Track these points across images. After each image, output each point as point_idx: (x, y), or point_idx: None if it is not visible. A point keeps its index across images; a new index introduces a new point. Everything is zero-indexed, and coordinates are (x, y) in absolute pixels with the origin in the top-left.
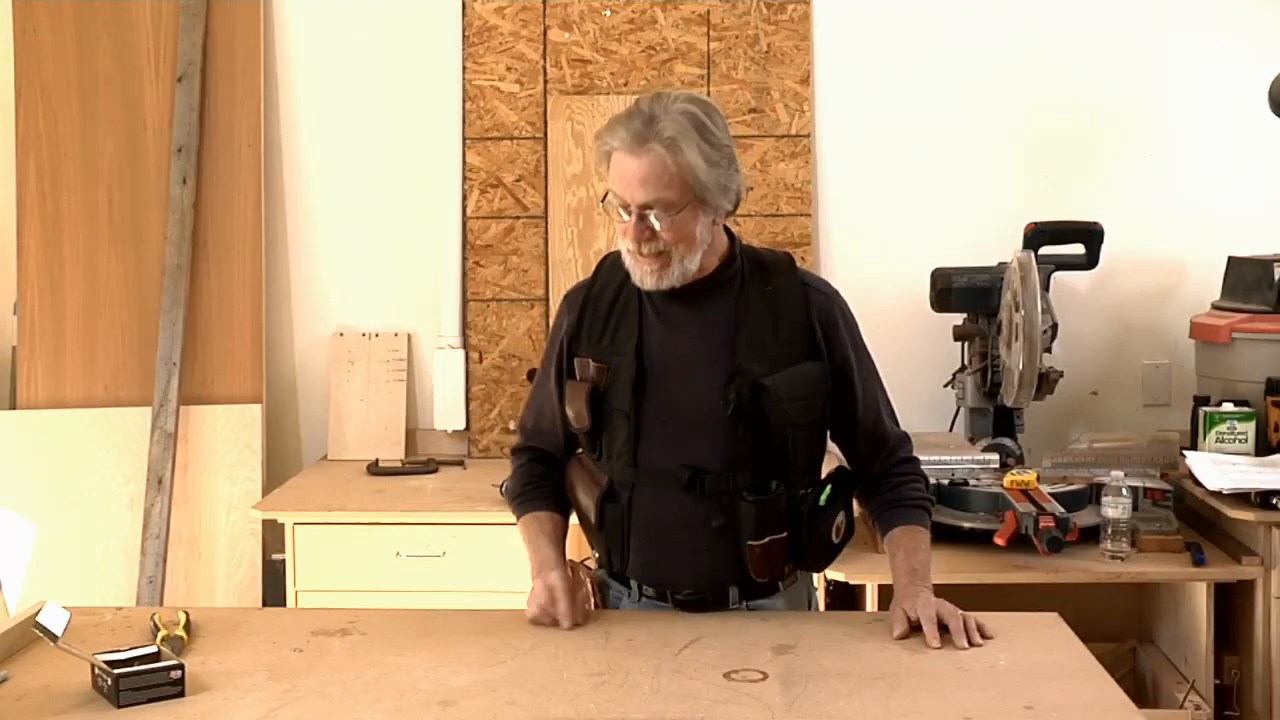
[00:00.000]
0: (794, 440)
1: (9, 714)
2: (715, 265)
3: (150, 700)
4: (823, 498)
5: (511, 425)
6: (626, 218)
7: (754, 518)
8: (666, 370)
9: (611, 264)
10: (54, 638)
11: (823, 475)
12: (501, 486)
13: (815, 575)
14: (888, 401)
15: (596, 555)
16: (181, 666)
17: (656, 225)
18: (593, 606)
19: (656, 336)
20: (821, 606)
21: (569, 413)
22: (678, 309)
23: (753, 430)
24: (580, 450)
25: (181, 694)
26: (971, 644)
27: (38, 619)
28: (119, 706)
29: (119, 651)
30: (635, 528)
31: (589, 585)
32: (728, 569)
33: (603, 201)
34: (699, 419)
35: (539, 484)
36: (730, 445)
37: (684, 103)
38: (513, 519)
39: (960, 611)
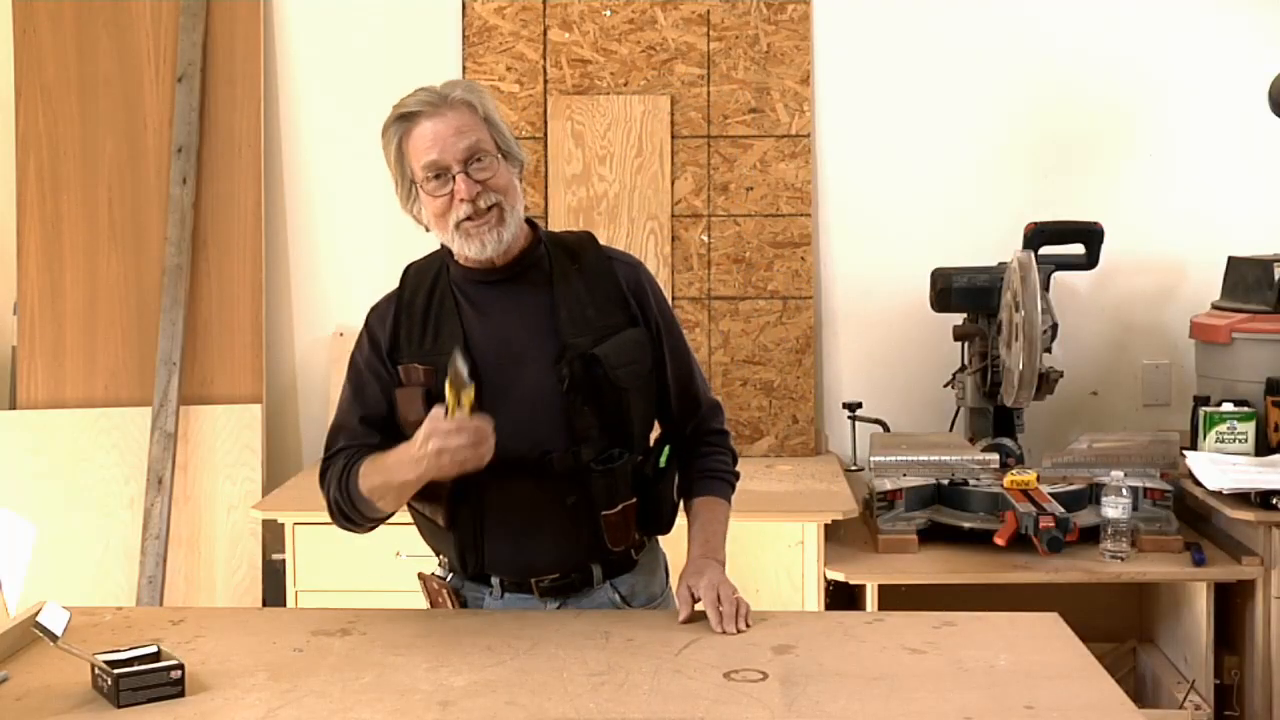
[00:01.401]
0: (630, 405)
1: (9, 714)
2: (522, 246)
3: (150, 700)
4: (663, 459)
5: None
6: (448, 186)
7: (605, 487)
8: (496, 360)
9: (416, 272)
10: (54, 638)
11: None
12: (327, 504)
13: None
14: (699, 369)
15: (443, 562)
16: (181, 666)
17: (482, 177)
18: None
19: (479, 329)
20: (821, 607)
21: (405, 420)
22: (494, 299)
23: (590, 401)
24: None
25: (181, 694)
26: (738, 630)
27: (38, 619)
28: (119, 706)
29: (119, 651)
30: (489, 522)
31: (445, 594)
32: (586, 546)
33: (408, 194)
34: (536, 402)
35: (359, 453)
36: (570, 421)
37: (456, 79)
38: None
39: (737, 595)
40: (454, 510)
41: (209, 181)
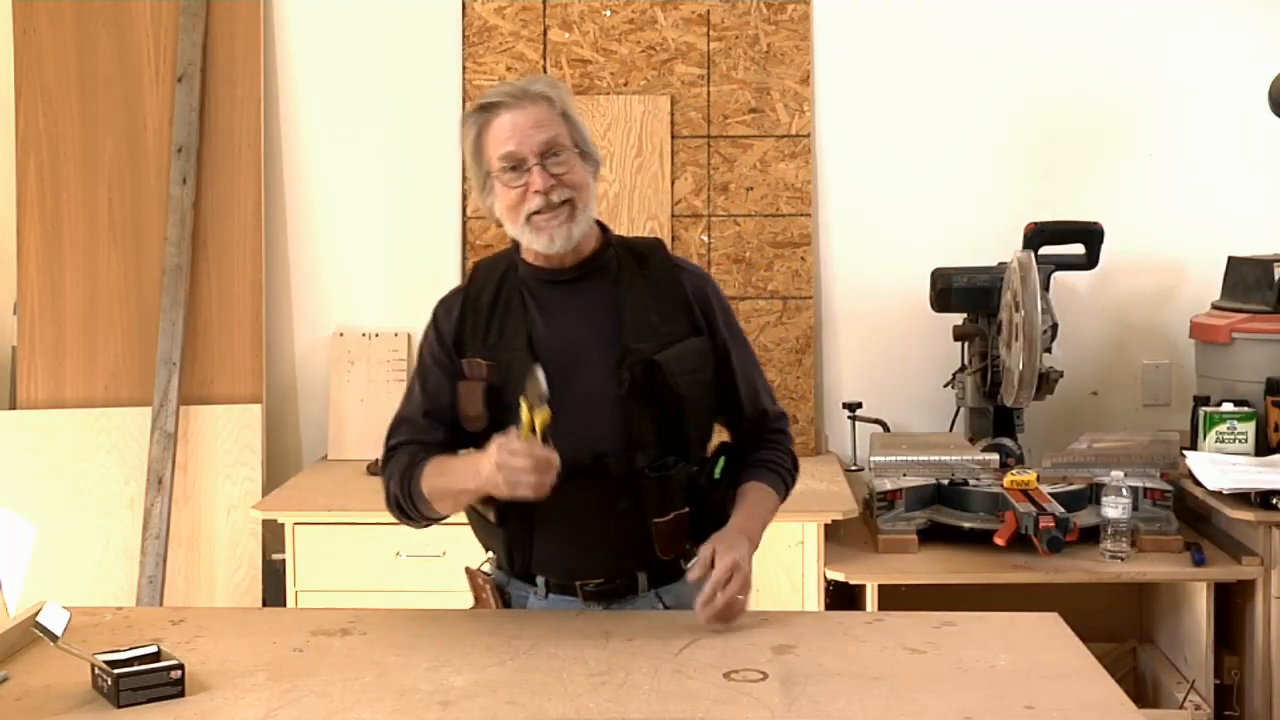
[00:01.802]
0: (688, 414)
1: (9, 714)
2: (592, 249)
3: (150, 700)
4: (717, 470)
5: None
6: (523, 178)
7: (657, 495)
8: (559, 360)
9: (486, 268)
10: (54, 638)
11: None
12: (385, 496)
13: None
14: (765, 381)
15: (492, 557)
16: (181, 666)
17: (558, 170)
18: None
19: (544, 328)
20: (821, 607)
21: (465, 413)
22: (560, 299)
23: (648, 407)
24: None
25: (181, 694)
26: (725, 614)
27: (38, 619)
28: (119, 706)
29: (119, 651)
30: (540, 521)
31: (489, 591)
32: (635, 553)
33: (483, 184)
34: (595, 404)
35: (423, 452)
36: (628, 425)
37: (541, 75)
38: None
39: (743, 594)
40: (505, 508)
41: (209, 181)
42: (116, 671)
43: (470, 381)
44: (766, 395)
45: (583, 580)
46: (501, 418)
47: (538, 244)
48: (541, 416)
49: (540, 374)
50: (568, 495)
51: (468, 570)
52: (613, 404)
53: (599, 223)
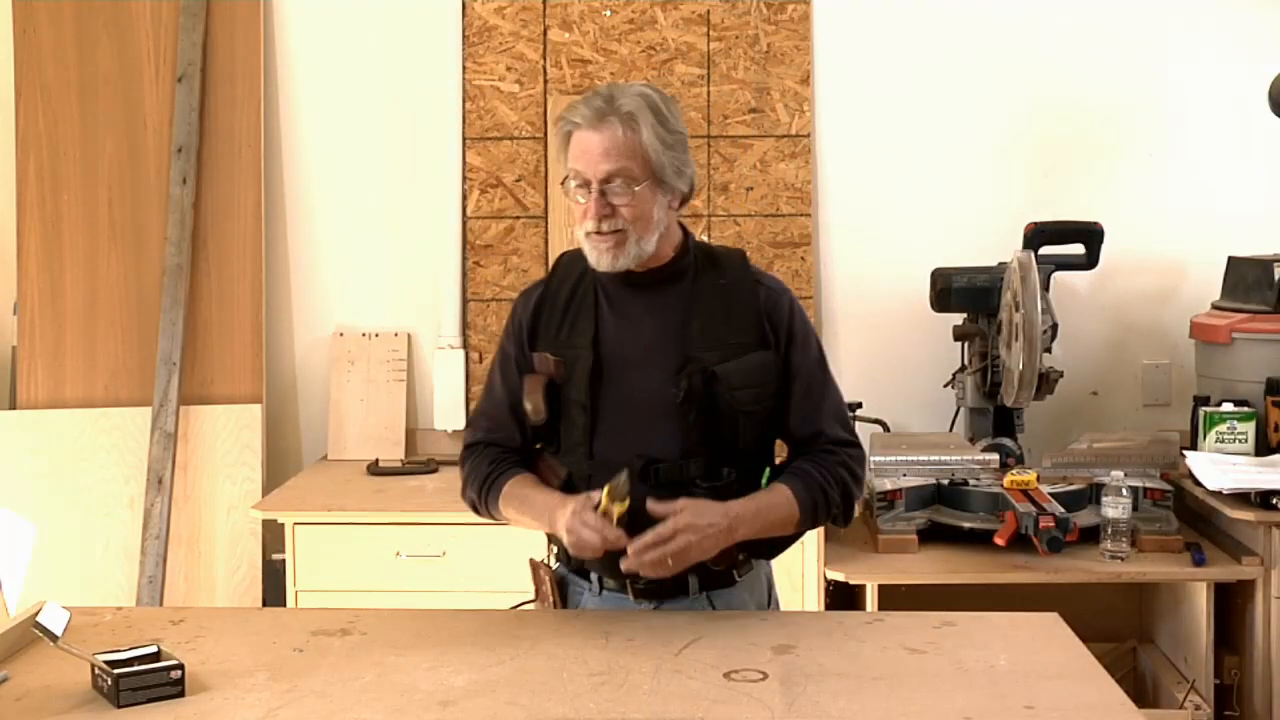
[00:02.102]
0: (744, 427)
1: (9, 714)
2: (670, 255)
3: (150, 700)
4: (765, 481)
5: None
6: (585, 199)
7: None
8: (622, 362)
9: (568, 262)
10: (54, 638)
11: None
12: (463, 492)
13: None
14: (837, 407)
15: (554, 550)
16: (181, 666)
17: (617, 201)
18: (555, 608)
19: (612, 329)
20: (821, 607)
21: (527, 406)
22: (633, 301)
23: (704, 417)
24: (539, 446)
25: (181, 694)
26: (647, 567)
27: (38, 619)
28: (119, 706)
29: (119, 651)
30: None
31: (549, 584)
32: None
33: (562, 184)
34: (653, 409)
35: (503, 462)
36: (683, 433)
37: (642, 88)
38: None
39: (682, 551)
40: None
41: (209, 181)
42: (116, 671)
43: (536, 375)
44: (831, 420)
45: (633, 579)
46: (559, 415)
47: (589, 259)
48: (620, 508)
49: (625, 476)
50: None
51: (531, 562)
52: (669, 411)
53: (681, 226)
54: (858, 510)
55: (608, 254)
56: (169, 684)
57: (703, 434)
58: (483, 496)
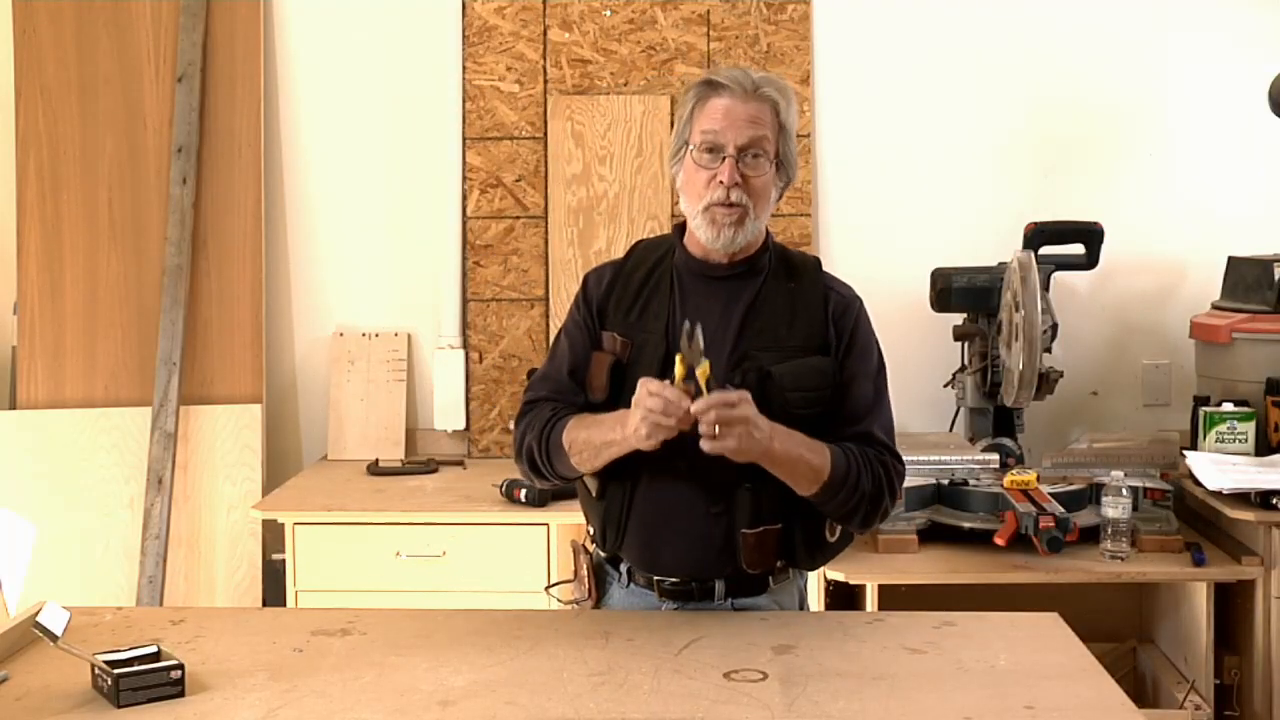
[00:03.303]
0: (794, 429)
1: (9, 714)
2: (754, 250)
3: (150, 700)
4: None
5: (511, 425)
6: (716, 164)
7: (750, 506)
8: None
9: (644, 248)
10: (54, 638)
11: None
12: (518, 448)
13: (811, 576)
14: (885, 418)
15: (592, 533)
16: (181, 666)
17: (749, 172)
18: (590, 594)
19: (681, 317)
20: (821, 607)
21: (591, 383)
22: (705, 293)
23: None
24: None
25: (181, 694)
26: (713, 424)
27: (37, 619)
28: (119, 706)
29: (119, 651)
30: (634, 507)
31: (587, 569)
32: (719, 560)
33: (675, 155)
34: None
35: (562, 411)
36: None
37: (777, 78)
38: (510, 520)
39: (736, 425)
40: (606, 483)
41: (209, 181)
42: (116, 671)
43: (602, 354)
44: (879, 429)
45: (661, 576)
46: (622, 393)
47: (703, 234)
48: (702, 370)
49: (699, 331)
50: (665, 487)
51: (573, 544)
52: None
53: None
54: (879, 523)
55: (729, 229)
56: (169, 684)
57: None
58: (543, 438)
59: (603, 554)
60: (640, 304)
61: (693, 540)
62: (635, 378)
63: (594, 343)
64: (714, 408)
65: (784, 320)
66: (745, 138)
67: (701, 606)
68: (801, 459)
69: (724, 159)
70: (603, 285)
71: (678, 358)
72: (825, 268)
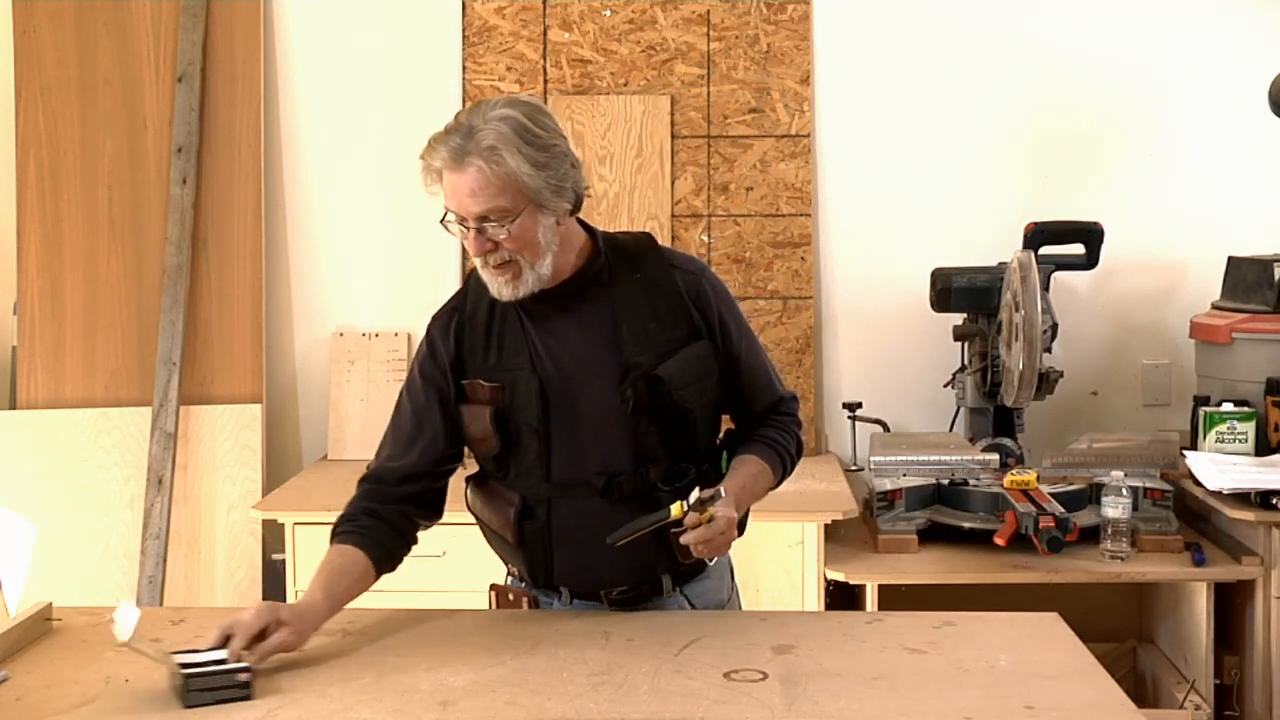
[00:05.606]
0: (697, 423)
1: (9, 714)
2: (579, 264)
3: (218, 702)
4: (724, 464)
5: None
6: (465, 233)
7: (667, 499)
8: (562, 379)
9: (477, 282)
10: (127, 639)
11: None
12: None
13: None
14: (771, 365)
15: (513, 572)
16: (249, 669)
17: (497, 237)
18: None
19: (543, 346)
20: (821, 607)
21: (473, 437)
22: (555, 315)
23: (656, 422)
24: (471, 475)
25: (248, 697)
26: (701, 550)
27: (113, 616)
28: (187, 707)
29: (195, 652)
30: (557, 540)
31: (525, 605)
32: (655, 560)
33: (441, 221)
34: (602, 421)
35: (356, 520)
36: (636, 442)
37: (503, 108)
38: None
39: (726, 532)
40: (521, 529)
41: (209, 181)
42: (185, 672)
43: (474, 405)
44: (777, 381)
45: (606, 590)
46: (509, 440)
47: (491, 290)
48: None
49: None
50: (583, 513)
51: (496, 587)
52: (620, 421)
53: (586, 227)
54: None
55: (507, 285)
56: (235, 686)
57: (658, 439)
58: (331, 537)
59: (534, 585)
60: (495, 345)
61: (627, 552)
62: (518, 419)
63: (458, 395)
64: (712, 538)
65: (647, 314)
66: (476, 210)
67: (653, 605)
68: (758, 495)
69: (468, 230)
70: (450, 337)
71: (674, 506)
72: (825, 267)
